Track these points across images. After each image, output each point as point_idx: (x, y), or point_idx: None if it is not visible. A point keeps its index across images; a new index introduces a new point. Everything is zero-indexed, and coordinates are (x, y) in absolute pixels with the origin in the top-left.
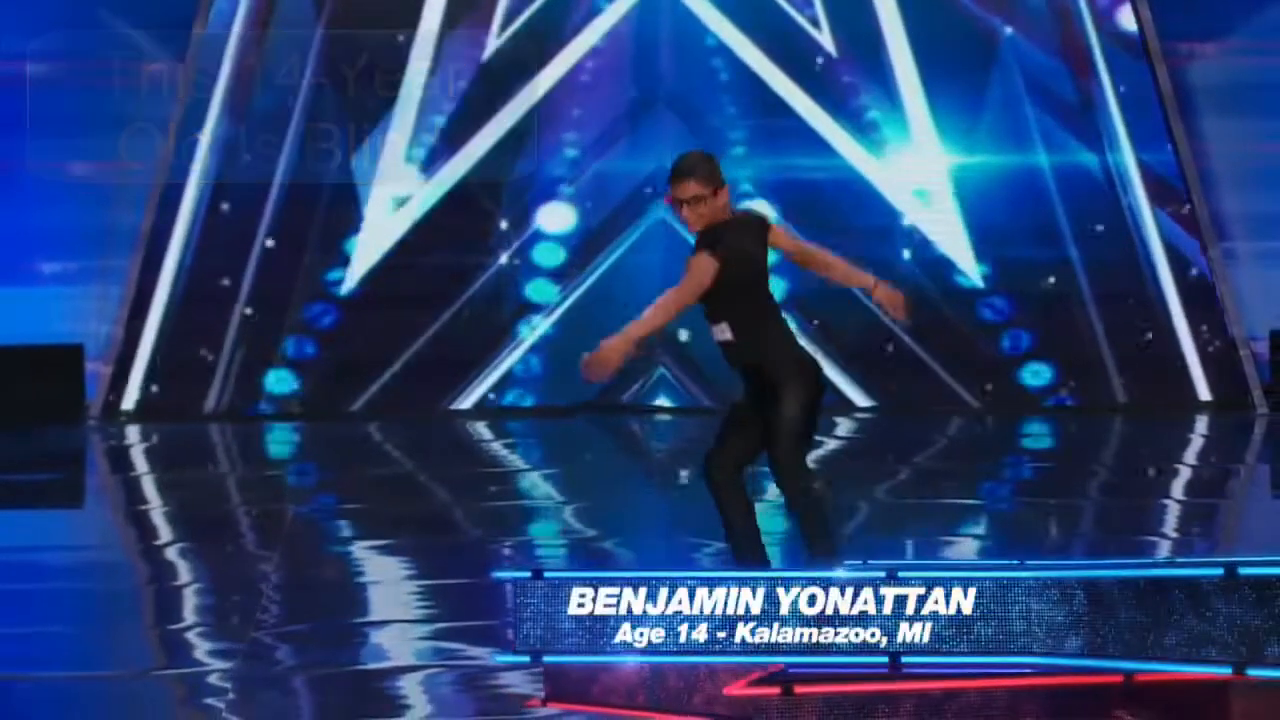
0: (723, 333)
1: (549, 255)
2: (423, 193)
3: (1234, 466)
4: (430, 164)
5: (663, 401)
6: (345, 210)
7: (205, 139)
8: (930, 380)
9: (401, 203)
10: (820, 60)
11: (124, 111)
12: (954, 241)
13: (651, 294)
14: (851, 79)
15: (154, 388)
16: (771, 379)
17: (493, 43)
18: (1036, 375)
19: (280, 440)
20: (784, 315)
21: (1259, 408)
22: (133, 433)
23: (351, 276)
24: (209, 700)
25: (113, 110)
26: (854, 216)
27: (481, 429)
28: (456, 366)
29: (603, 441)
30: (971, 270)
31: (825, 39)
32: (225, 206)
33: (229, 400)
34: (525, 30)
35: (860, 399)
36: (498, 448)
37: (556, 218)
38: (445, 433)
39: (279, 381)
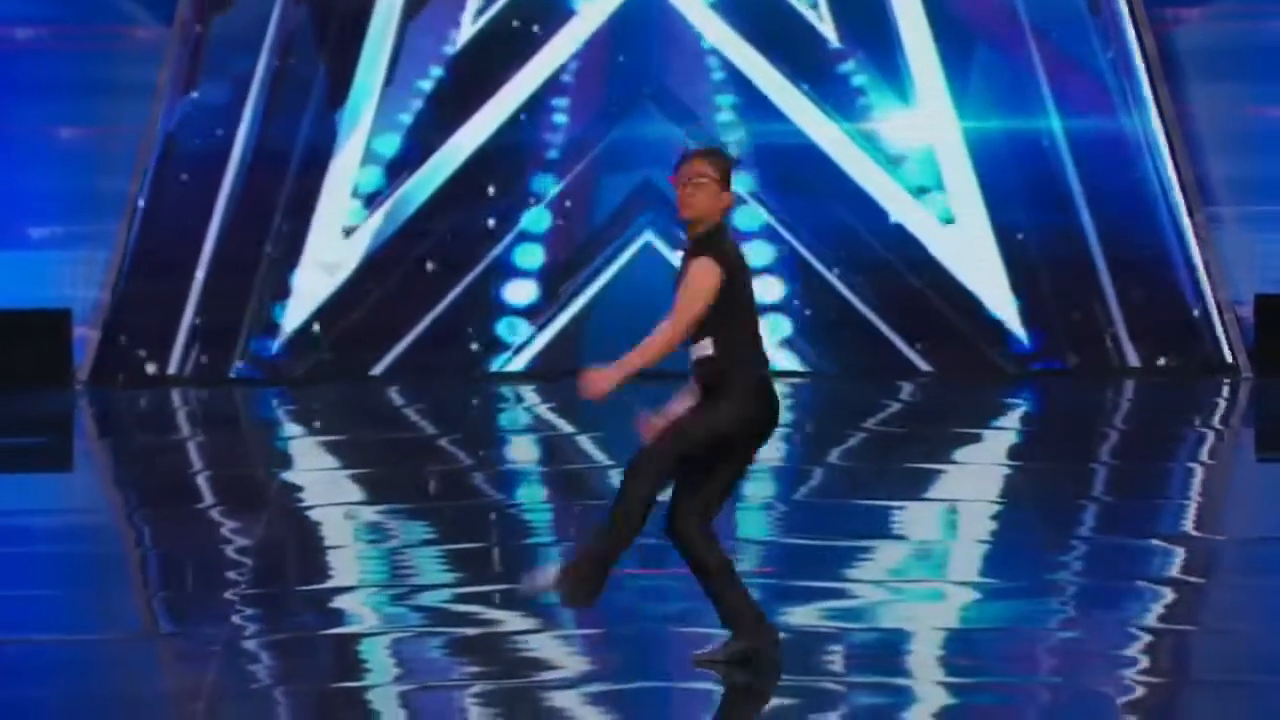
0: (703, 350)
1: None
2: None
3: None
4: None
5: None
6: (317, 176)
7: (203, 103)
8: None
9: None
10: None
11: (111, 77)
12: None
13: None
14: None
15: (142, 352)
16: (718, 394)
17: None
18: (1020, 341)
19: (267, 404)
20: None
21: (1244, 372)
22: (122, 397)
23: (340, 247)
24: (197, 663)
25: (100, 75)
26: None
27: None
28: (448, 332)
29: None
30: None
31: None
32: (216, 172)
33: (214, 364)
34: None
35: (921, 364)
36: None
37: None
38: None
39: (261, 345)
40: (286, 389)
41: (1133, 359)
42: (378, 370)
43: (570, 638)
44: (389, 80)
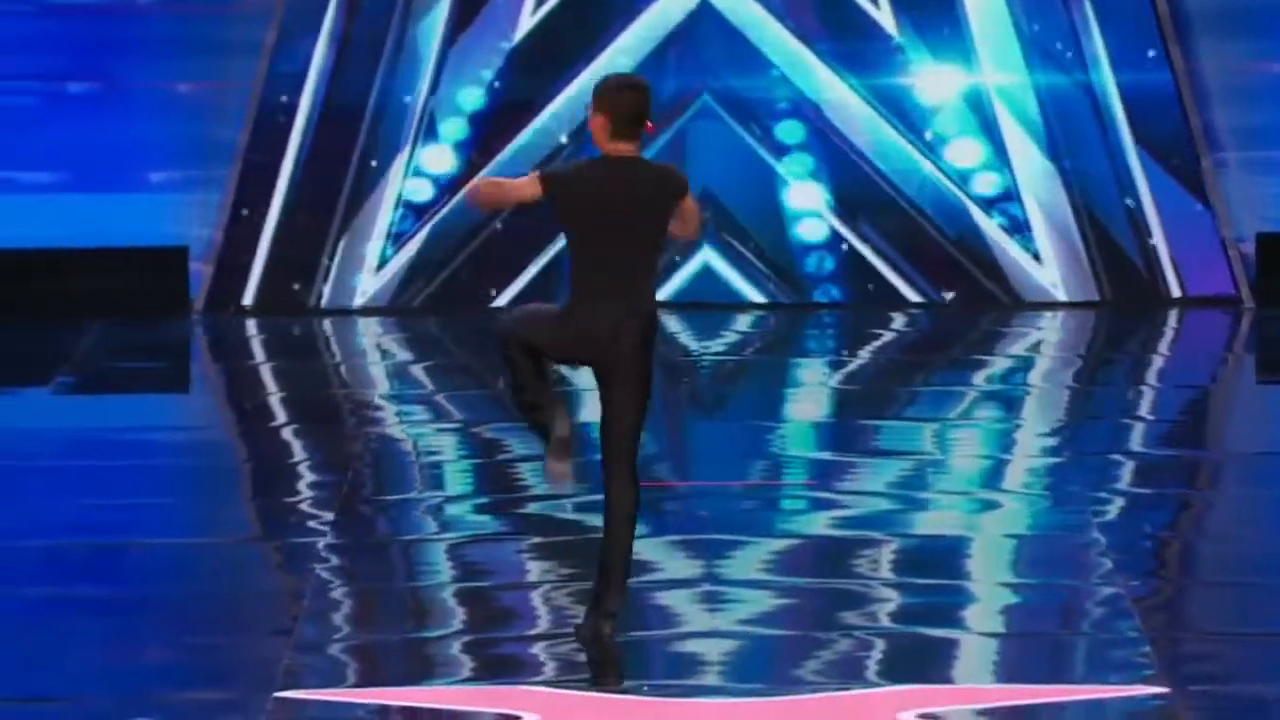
0: None
1: None
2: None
3: (1223, 357)
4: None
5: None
6: (420, 122)
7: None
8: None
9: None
10: None
11: (223, 36)
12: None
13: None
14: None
15: (253, 286)
16: None
17: None
18: (1044, 275)
19: (373, 332)
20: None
21: (1246, 304)
22: (234, 325)
23: (427, 188)
24: (306, 564)
25: (213, 34)
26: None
27: None
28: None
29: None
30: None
31: None
32: (317, 123)
33: (323, 297)
34: None
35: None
36: None
37: None
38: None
39: (369, 281)
40: (378, 319)
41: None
42: (416, 301)
43: (677, 543)
44: (470, 37)
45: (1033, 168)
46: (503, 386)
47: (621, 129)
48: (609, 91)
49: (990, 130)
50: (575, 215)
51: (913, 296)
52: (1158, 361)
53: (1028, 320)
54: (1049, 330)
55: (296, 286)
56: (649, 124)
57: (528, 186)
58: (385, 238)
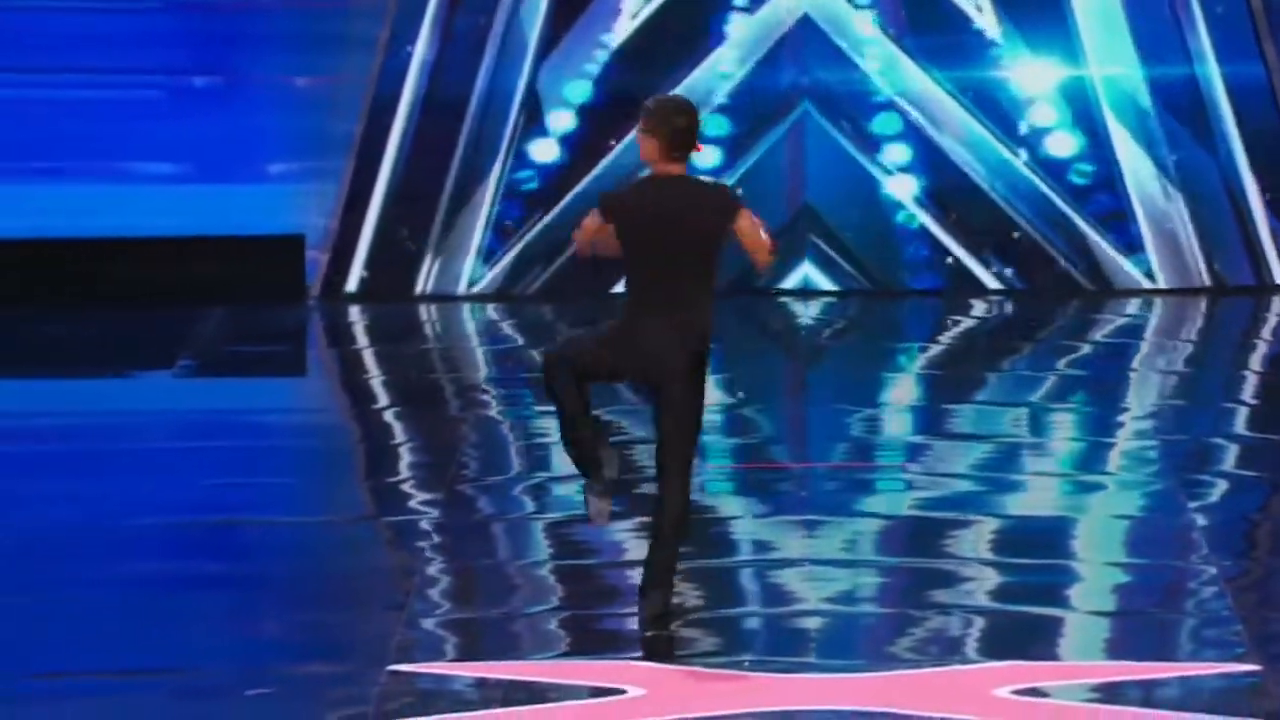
0: None
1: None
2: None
3: None
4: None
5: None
6: (528, 115)
7: (416, 54)
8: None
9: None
10: None
11: (339, 31)
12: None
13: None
14: None
15: (366, 273)
16: None
17: None
18: (1139, 263)
19: (485, 317)
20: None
21: None
22: (349, 312)
23: (535, 178)
24: (416, 543)
25: (329, 30)
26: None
27: None
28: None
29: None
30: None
31: None
32: (426, 115)
33: (432, 284)
34: None
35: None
36: None
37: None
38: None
39: (475, 268)
40: (489, 305)
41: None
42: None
43: (790, 523)
44: (576, 33)
45: (1134, 158)
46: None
47: (673, 151)
48: (661, 114)
49: (1089, 121)
50: (628, 234)
51: (993, 284)
52: (1260, 347)
53: (1124, 307)
54: (1150, 316)
55: (417, 272)
56: (699, 145)
57: (594, 220)
58: (489, 227)
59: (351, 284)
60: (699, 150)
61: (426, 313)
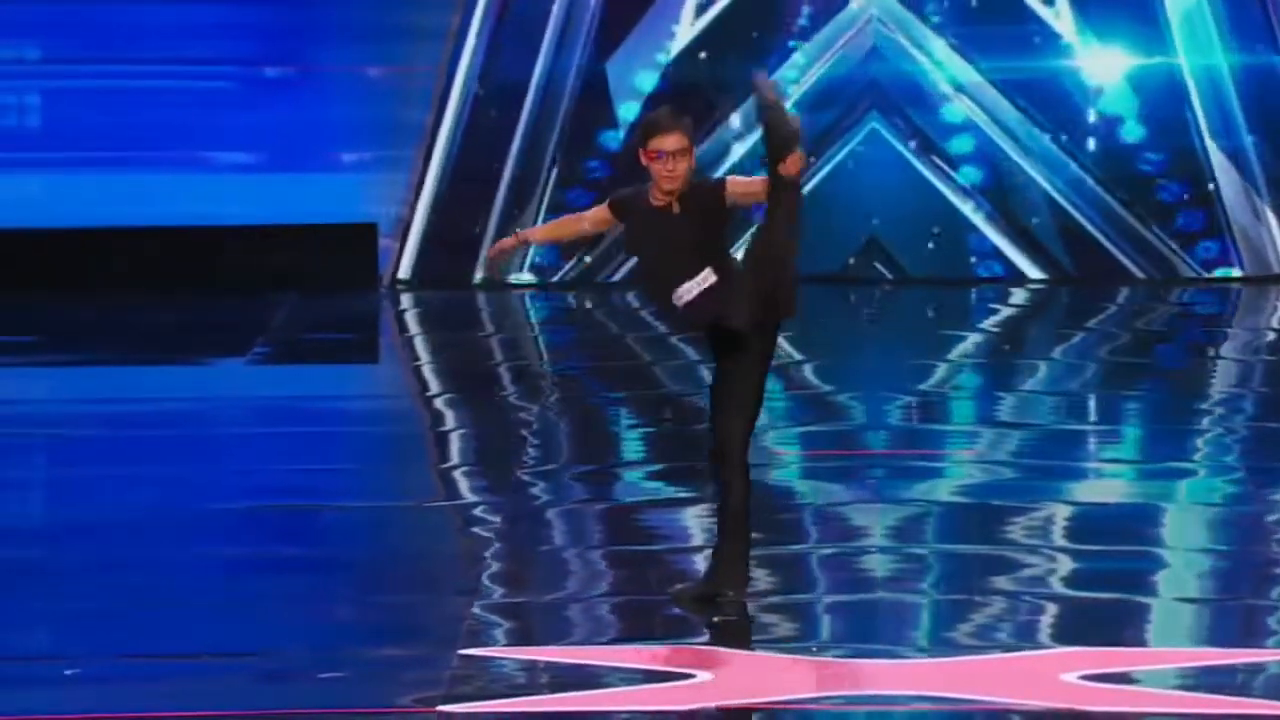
0: (705, 280)
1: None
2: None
3: None
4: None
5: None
6: (598, 106)
7: (470, 43)
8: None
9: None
10: None
11: (410, 22)
12: (1131, 133)
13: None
14: None
15: (439, 260)
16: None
17: None
18: (1207, 250)
19: (541, 308)
20: None
21: None
22: (420, 300)
23: (605, 166)
24: (485, 528)
25: (400, 21)
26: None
27: None
28: None
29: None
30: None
31: None
32: (487, 104)
33: (500, 270)
34: None
35: (1033, 271)
36: None
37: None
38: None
39: (540, 255)
40: (559, 294)
41: None
42: (617, 276)
43: (831, 509)
44: (647, 21)
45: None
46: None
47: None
48: (648, 129)
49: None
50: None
51: (1035, 274)
52: None
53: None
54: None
55: (463, 261)
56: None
57: (598, 212)
58: (547, 214)
59: (404, 271)
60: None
61: (494, 299)
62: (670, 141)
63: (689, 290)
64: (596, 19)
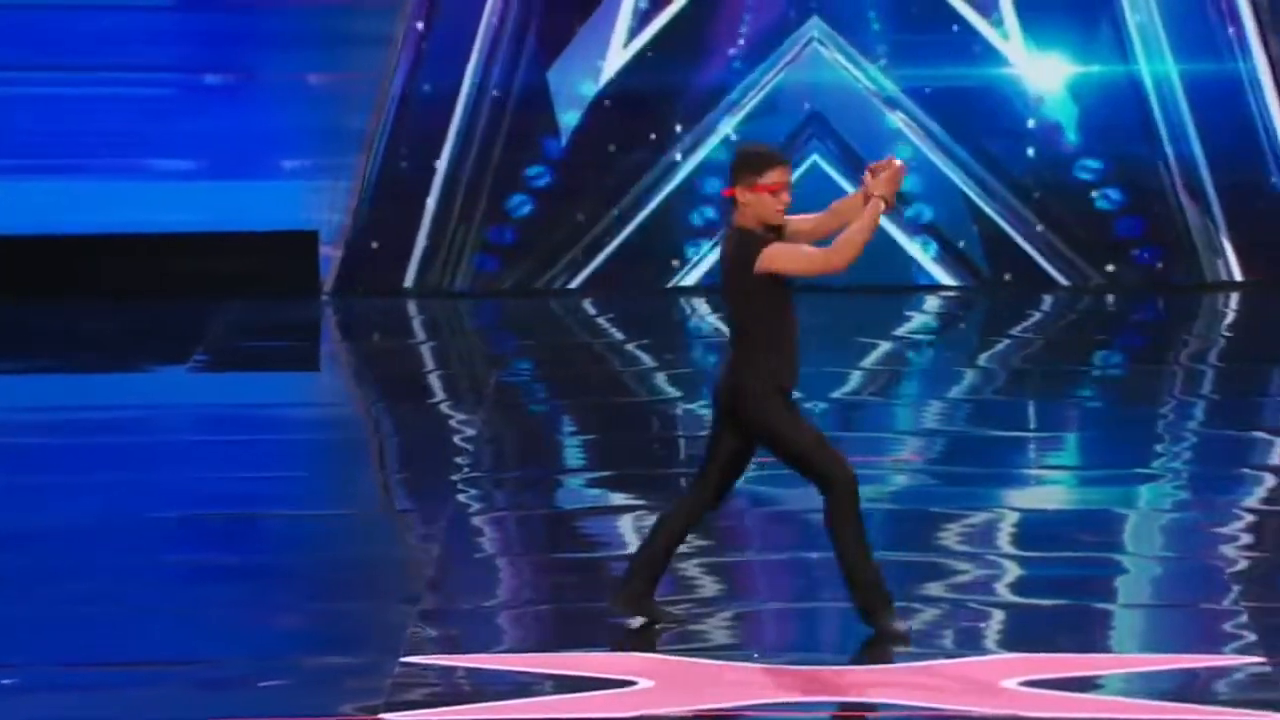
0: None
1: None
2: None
3: None
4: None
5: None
6: (539, 112)
7: (408, 50)
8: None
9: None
10: None
11: (352, 29)
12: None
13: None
14: None
15: (378, 268)
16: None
17: None
18: (1146, 256)
19: (483, 313)
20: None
21: None
22: (358, 307)
23: (548, 172)
24: (428, 536)
25: (342, 28)
26: (989, 120)
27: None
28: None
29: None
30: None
31: None
32: (423, 111)
33: (437, 279)
34: None
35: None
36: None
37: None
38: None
39: (481, 262)
40: (499, 301)
41: (1237, 274)
42: (574, 284)
43: (775, 515)
44: (588, 28)
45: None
46: None
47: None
48: (766, 161)
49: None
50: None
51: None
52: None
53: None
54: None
55: (423, 269)
56: (725, 189)
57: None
58: (482, 222)
59: (344, 278)
60: (728, 194)
61: (433, 307)
62: (788, 174)
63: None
64: (536, 27)
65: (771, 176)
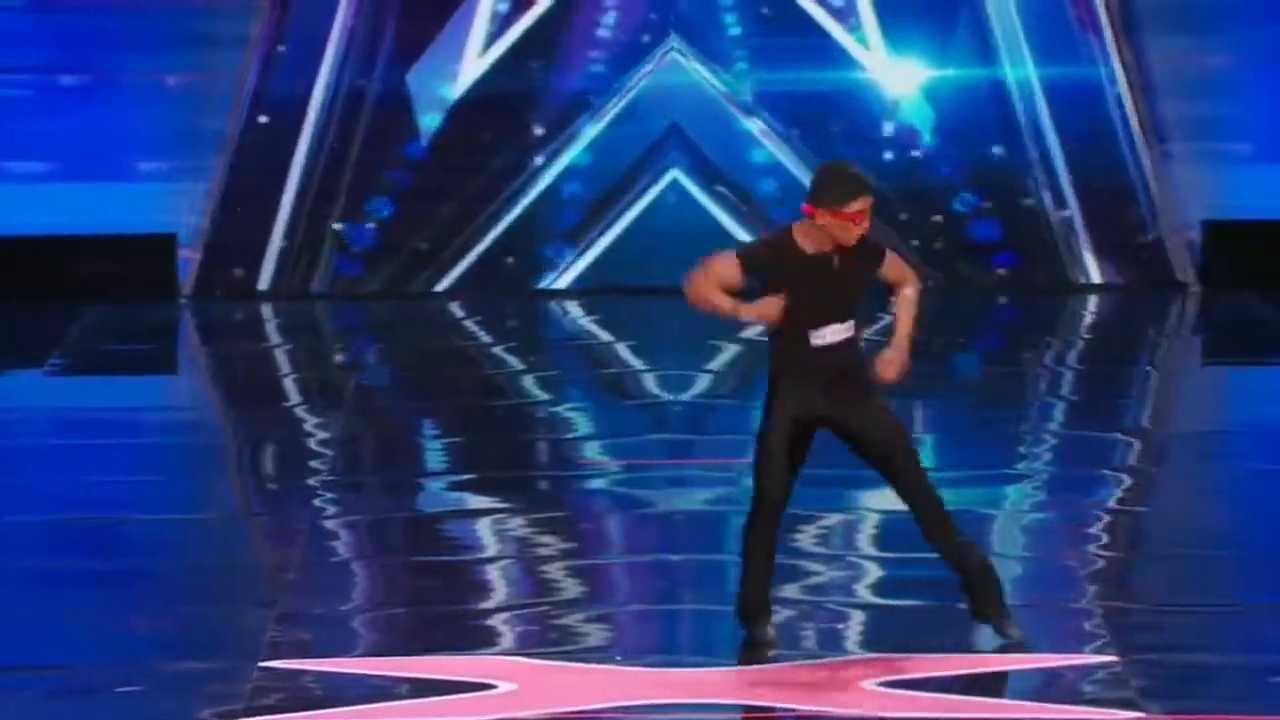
0: (848, 330)
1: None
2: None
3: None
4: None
5: None
6: (398, 114)
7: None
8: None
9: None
10: None
11: (209, 30)
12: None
13: None
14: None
15: (237, 271)
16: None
17: None
18: (1004, 260)
19: (344, 316)
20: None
21: (1192, 288)
22: (218, 310)
23: (408, 175)
24: (286, 540)
25: (199, 29)
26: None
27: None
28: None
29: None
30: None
31: None
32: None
33: (296, 282)
34: None
35: None
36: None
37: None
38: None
39: (341, 264)
40: (361, 303)
41: (1095, 276)
42: (440, 287)
43: (638, 518)
44: (447, 31)
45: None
46: None
47: None
48: (851, 191)
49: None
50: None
51: None
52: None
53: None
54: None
55: (282, 272)
56: (805, 205)
57: (726, 272)
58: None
59: (201, 281)
60: (805, 210)
61: (293, 310)
62: (869, 204)
63: (833, 333)
64: (394, 30)
65: (855, 206)
